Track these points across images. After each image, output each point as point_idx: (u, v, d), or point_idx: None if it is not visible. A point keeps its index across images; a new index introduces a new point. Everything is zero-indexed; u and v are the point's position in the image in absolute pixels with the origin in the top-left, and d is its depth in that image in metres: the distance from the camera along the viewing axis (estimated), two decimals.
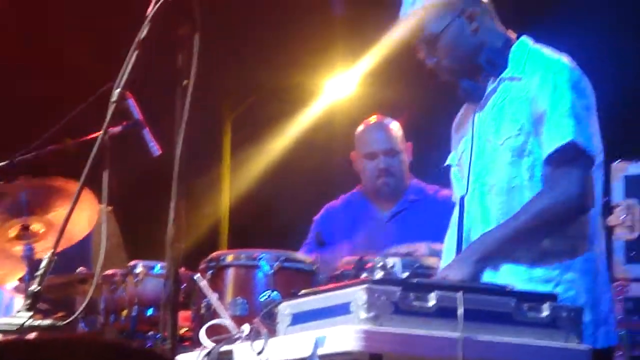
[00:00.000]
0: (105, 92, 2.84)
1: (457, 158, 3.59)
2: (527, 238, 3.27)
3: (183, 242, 2.57)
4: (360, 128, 5.19)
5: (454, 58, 3.47)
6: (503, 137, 3.39)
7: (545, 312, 2.82)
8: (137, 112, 4.44)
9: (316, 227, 5.09)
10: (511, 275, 3.24)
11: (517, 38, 3.52)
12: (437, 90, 3.76)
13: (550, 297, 2.87)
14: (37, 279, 2.46)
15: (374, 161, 5.03)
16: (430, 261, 3.76)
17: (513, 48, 3.48)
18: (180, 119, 2.60)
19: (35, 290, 2.47)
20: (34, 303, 2.44)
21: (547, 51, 3.46)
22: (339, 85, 8.36)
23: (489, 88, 3.46)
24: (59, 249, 4.19)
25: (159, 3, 2.56)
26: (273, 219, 8.70)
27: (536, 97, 3.36)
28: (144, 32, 2.59)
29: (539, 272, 3.25)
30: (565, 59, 3.42)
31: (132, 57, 2.59)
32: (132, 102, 4.49)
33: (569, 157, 3.28)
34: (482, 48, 3.46)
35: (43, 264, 2.46)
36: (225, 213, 8.71)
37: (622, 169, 4.10)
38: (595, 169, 3.35)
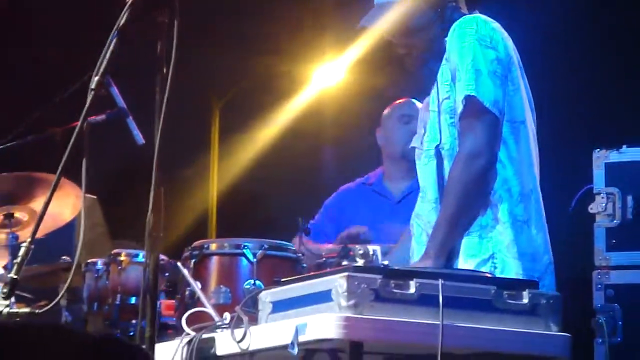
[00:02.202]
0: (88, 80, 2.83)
1: (419, 140, 3.62)
2: (466, 212, 3.32)
3: (162, 231, 2.56)
4: (389, 108, 5.18)
5: (430, 50, 3.52)
6: (440, 99, 3.44)
7: (525, 299, 2.83)
8: (120, 100, 4.43)
9: (325, 210, 5.10)
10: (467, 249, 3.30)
11: None
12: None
13: (531, 284, 2.88)
14: (15, 267, 2.44)
15: (409, 125, 5.01)
16: None
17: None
18: (160, 107, 2.59)
19: (13, 278, 2.46)
20: (12, 291, 2.43)
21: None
22: (327, 74, 8.34)
23: None
24: (41, 236, 4.21)
25: None
26: (261, 208, 8.69)
27: (449, 54, 3.42)
28: (123, 19, 2.57)
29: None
30: (478, 14, 3.45)
31: (111, 44, 2.58)
32: (115, 90, 4.49)
33: (470, 112, 3.32)
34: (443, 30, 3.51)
35: (21, 252, 2.45)
36: (213, 202, 8.69)
37: (604, 156, 4.10)
38: (513, 127, 3.37)
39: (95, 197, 5.03)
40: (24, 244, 2.49)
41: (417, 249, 3.48)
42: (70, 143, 2.59)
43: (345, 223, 4.91)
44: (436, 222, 3.33)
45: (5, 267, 4.61)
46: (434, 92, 3.51)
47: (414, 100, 5.14)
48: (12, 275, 2.43)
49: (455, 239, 3.30)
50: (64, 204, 4.60)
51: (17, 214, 4.64)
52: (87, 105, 2.59)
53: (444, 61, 3.46)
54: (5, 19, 6.81)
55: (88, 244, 5.39)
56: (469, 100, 3.32)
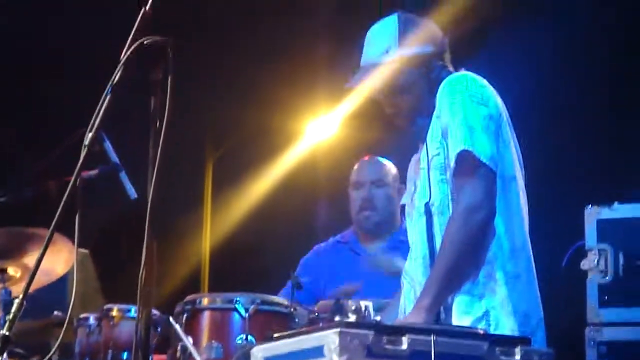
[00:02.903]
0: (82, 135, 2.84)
1: (410, 197, 3.62)
2: (463, 267, 3.31)
3: (154, 286, 2.56)
4: (355, 167, 5.15)
5: (416, 109, 3.53)
6: (430, 156, 3.45)
7: (518, 355, 2.82)
8: (114, 155, 4.45)
9: (301, 268, 5.05)
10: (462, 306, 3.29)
11: None
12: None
13: (523, 340, 2.87)
14: (7, 324, 2.43)
15: (359, 191, 4.98)
16: None
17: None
18: (153, 162, 2.61)
19: (4, 335, 2.45)
20: (3, 347, 2.42)
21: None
22: (321, 128, 8.38)
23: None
24: (34, 291, 4.17)
25: (133, 47, 2.57)
26: (254, 262, 8.67)
27: (439, 111, 3.44)
28: (117, 76, 2.60)
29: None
30: (466, 72, 3.48)
31: (105, 101, 2.60)
32: (109, 145, 4.50)
33: (466, 167, 3.32)
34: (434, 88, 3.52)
35: (13, 308, 2.45)
36: (206, 255, 8.68)
37: (596, 213, 4.12)
38: (504, 183, 3.38)
39: (87, 251, 5.03)
40: (17, 300, 2.48)
41: (407, 305, 3.48)
42: (64, 199, 2.60)
43: (324, 279, 4.88)
44: (431, 275, 3.31)
45: None
46: (423, 149, 3.52)
47: (382, 162, 5.08)
48: (4, 332, 2.42)
49: (450, 293, 3.29)
50: (57, 259, 4.59)
51: (9, 270, 4.62)
52: (80, 161, 2.60)
53: (434, 118, 3.47)
54: None
55: (81, 298, 5.38)
56: (464, 155, 3.33)
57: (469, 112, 3.36)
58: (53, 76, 6.93)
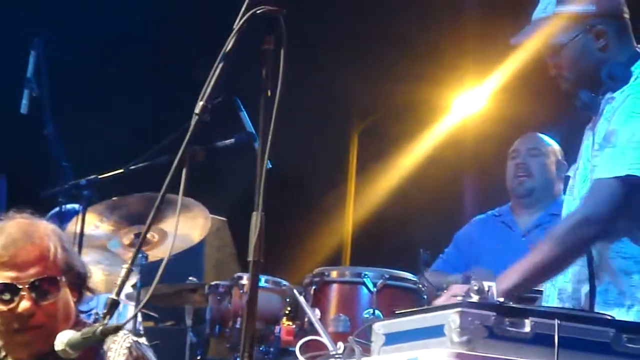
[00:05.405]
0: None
1: (574, 171, 3.50)
2: (551, 269, 3.21)
3: (262, 256, 2.53)
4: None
5: (575, 71, 3.40)
6: (592, 154, 3.32)
7: None
8: (249, 125, 4.48)
9: (455, 242, 5.05)
10: None
11: None
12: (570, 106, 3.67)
13: None
14: (116, 289, 2.46)
15: (515, 159, 4.97)
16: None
17: (636, 64, 3.36)
18: (265, 132, 2.56)
19: (114, 298, 2.48)
20: (111, 311, 2.45)
21: None
22: (468, 102, 8.26)
23: (603, 105, 3.36)
24: (170, 257, 4.25)
25: (247, 16, 2.54)
26: (398, 237, 8.64)
27: (612, 115, 3.26)
28: (230, 45, 2.56)
29: None
30: None
31: (217, 70, 2.57)
32: (244, 115, 4.54)
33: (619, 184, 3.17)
34: (605, 63, 3.37)
35: (122, 274, 2.47)
36: (349, 230, 8.69)
37: None
38: None
39: (225, 219, 5.09)
40: (125, 266, 2.50)
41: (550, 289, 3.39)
42: (174, 165, 2.59)
43: (473, 254, 4.85)
44: (523, 260, 3.20)
45: (134, 286, 4.69)
46: (589, 138, 3.38)
47: (540, 136, 5.03)
48: (112, 296, 2.45)
49: (531, 287, 3.19)
50: (193, 226, 4.66)
51: (147, 234, 4.71)
52: (190, 129, 2.58)
53: (602, 119, 3.31)
54: None
55: (216, 264, 5.47)
56: (625, 178, 3.16)
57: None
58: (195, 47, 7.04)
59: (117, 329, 2.56)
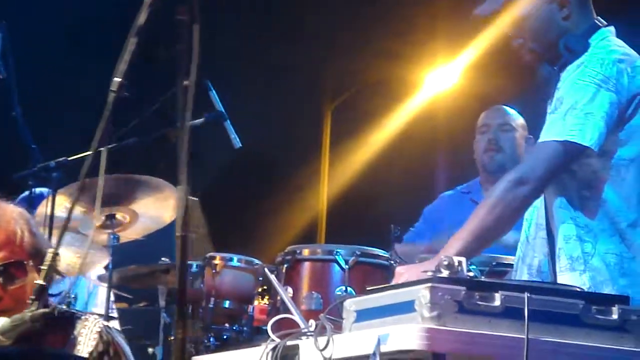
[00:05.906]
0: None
1: None
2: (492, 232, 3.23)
3: (189, 232, 2.45)
4: (481, 115, 5.13)
5: (540, 41, 3.39)
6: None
7: (615, 314, 2.71)
8: (219, 104, 4.46)
9: (424, 216, 5.05)
10: None
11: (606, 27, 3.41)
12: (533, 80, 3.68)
13: (620, 299, 2.75)
14: (43, 273, 2.43)
15: (485, 134, 4.96)
16: (509, 259, 3.66)
17: (593, 36, 3.37)
18: (182, 107, 2.49)
19: (41, 284, 2.44)
20: (41, 296, 2.42)
21: (612, 44, 3.32)
22: (440, 78, 8.26)
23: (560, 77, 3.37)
24: (142, 237, 4.23)
25: None
26: (372, 212, 8.65)
27: (562, 83, 3.27)
28: (141, 19, 2.50)
29: None
30: (611, 36, 3.29)
31: (130, 45, 2.51)
32: (214, 94, 4.52)
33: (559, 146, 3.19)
34: (564, 34, 3.37)
35: (47, 258, 2.43)
36: (323, 205, 8.69)
37: None
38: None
39: (197, 199, 5.07)
40: (50, 251, 2.47)
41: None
42: (92, 146, 2.54)
43: (442, 229, 4.84)
44: (464, 227, 3.22)
45: (106, 268, 4.67)
46: (550, 106, 3.39)
47: (507, 109, 5.03)
48: (39, 282, 2.41)
49: (474, 253, 3.20)
50: (164, 206, 4.64)
51: (118, 215, 4.71)
52: (107, 107, 2.53)
53: (556, 91, 3.31)
54: None
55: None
56: (564, 142, 3.17)
57: (592, 100, 3.19)
58: None
59: (45, 315, 2.53)
